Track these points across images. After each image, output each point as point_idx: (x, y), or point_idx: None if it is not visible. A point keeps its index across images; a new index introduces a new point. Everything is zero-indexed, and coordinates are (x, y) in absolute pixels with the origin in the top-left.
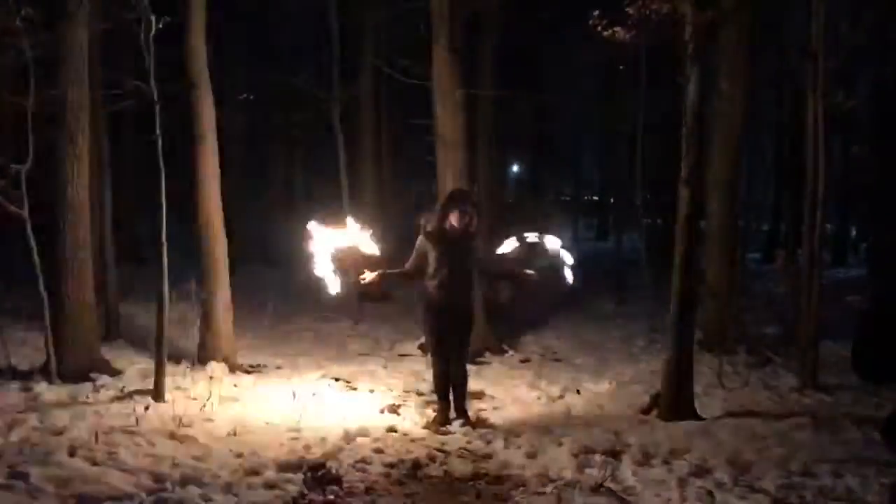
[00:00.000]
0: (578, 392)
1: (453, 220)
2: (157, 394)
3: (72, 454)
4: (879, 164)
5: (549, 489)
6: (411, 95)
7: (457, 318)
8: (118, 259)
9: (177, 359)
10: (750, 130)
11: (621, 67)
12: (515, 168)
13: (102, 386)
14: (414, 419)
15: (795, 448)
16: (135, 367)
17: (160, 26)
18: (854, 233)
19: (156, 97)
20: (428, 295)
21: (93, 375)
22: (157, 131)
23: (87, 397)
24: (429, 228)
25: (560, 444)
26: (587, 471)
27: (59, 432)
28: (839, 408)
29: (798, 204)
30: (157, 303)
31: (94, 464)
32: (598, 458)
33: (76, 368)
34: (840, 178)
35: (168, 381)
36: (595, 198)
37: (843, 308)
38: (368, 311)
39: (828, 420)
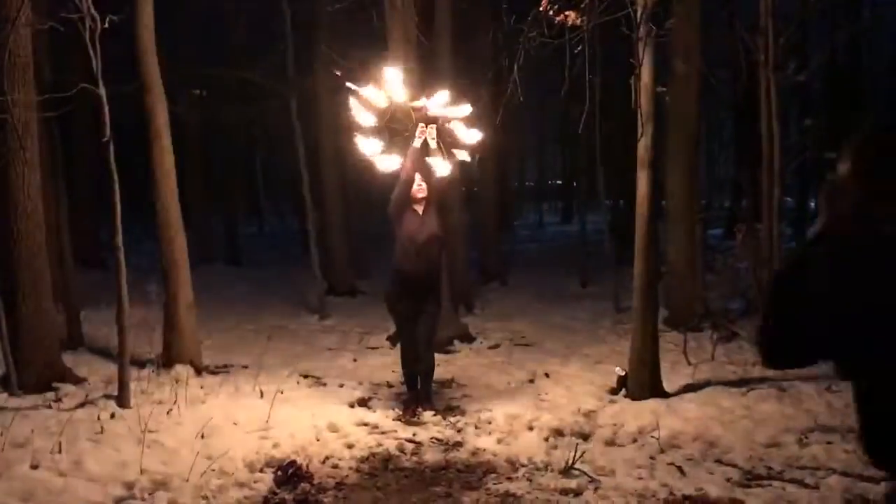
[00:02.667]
0: (547, 375)
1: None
2: (122, 400)
3: (35, 466)
4: (834, 136)
5: (520, 474)
6: None
7: (424, 287)
8: (79, 265)
9: (141, 363)
10: (707, 108)
11: (576, 51)
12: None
13: (65, 395)
14: (384, 411)
15: (761, 420)
16: (98, 374)
17: (106, 26)
18: (813, 205)
19: (104, 99)
20: (397, 260)
21: (55, 385)
22: (108, 133)
23: (50, 407)
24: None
25: (530, 429)
26: (557, 453)
27: (22, 444)
28: (802, 378)
29: (757, 179)
30: (117, 307)
31: (60, 474)
32: (568, 440)
33: (38, 378)
34: (797, 152)
35: (133, 387)
36: (559, 182)
37: None
38: (335, 305)
39: (791, 391)
